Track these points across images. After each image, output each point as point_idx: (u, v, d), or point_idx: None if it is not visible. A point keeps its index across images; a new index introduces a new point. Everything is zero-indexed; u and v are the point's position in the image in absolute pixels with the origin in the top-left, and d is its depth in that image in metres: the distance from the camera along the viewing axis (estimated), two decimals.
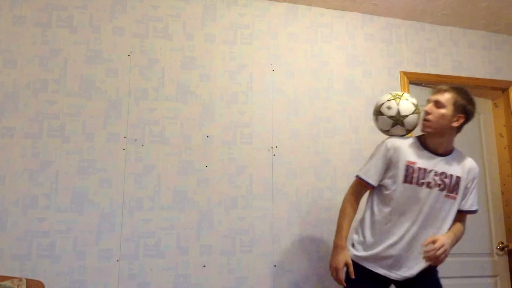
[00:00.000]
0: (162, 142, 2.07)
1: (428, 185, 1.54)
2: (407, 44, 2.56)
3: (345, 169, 2.31)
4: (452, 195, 1.56)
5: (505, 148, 2.64)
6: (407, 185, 1.55)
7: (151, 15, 2.19)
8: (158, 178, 2.03)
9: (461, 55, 2.64)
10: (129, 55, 2.11)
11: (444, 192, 1.55)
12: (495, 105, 2.75)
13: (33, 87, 1.98)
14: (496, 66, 2.71)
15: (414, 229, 1.54)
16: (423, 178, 1.53)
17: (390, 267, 1.57)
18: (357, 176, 1.65)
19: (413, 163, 1.55)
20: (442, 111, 1.52)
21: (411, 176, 1.54)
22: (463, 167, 1.58)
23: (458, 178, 1.57)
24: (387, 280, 1.60)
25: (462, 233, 1.59)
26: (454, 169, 1.56)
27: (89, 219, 1.93)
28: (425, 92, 2.57)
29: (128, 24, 2.15)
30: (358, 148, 2.36)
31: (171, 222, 2.02)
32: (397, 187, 1.55)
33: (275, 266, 2.11)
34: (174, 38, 2.19)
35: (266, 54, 2.32)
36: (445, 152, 1.57)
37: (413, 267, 1.56)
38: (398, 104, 1.60)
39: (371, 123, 2.42)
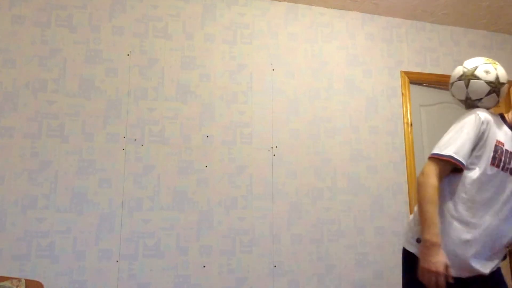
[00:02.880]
0: (162, 142, 2.03)
1: None
2: (408, 44, 2.52)
3: (345, 169, 2.28)
4: None
5: None
6: (493, 168, 1.29)
7: (150, 14, 2.16)
8: (157, 178, 2.00)
9: (462, 54, 2.61)
10: (128, 55, 2.08)
11: None
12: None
13: (32, 87, 1.95)
14: None
15: (495, 222, 1.28)
16: (509, 163, 1.30)
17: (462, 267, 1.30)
18: (446, 156, 1.27)
19: (502, 144, 1.31)
20: None
21: (499, 158, 1.29)
22: None
23: None
24: (458, 280, 1.32)
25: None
26: None
27: (88, 219, 1.90)
28: (426, 91, 2.52)
29: (127, 24, 2.12)
30: (358, 148, 2.32)
31: (171, 222, 1.99)
32: (482, 170, 1.29)
33: (275, 266, 2.08)
34: (173, 38, 2.16)
35: (266, 53, 2.29)
36: None
37: (488, 266, 1.29)
38: (496, 69, 1.36)
39: (372, 123, 2.38)
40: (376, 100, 2.41)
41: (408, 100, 2.39)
